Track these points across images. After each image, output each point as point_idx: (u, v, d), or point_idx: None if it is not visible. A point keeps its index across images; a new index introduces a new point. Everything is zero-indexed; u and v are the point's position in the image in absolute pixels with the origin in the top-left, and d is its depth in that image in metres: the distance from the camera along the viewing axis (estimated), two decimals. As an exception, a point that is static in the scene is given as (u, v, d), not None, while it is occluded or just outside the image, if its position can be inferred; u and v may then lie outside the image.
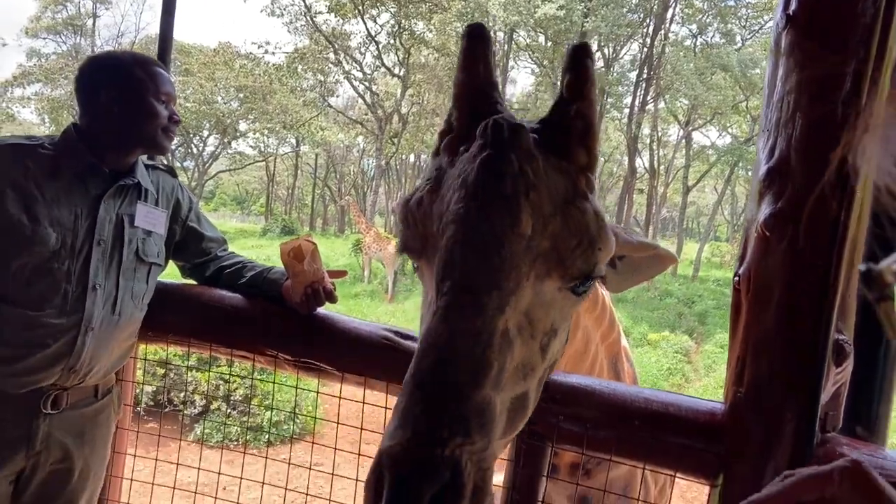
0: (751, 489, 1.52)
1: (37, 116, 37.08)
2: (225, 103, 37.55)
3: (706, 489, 1.69)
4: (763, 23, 30.74)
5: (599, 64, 32.70)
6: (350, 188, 48.24)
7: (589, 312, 1.80)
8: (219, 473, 2.54)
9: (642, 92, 31.40)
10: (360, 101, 39.34)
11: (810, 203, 1.38)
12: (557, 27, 28.36)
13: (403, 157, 44.29)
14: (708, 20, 31.81)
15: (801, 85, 1.42)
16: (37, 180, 2.10)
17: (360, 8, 32.01)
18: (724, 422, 1.61)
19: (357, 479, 2.28)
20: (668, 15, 30.46)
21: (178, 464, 2.61)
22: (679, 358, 15.78)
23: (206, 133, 40.09)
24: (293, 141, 43.86)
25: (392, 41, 34.05)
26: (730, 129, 35.93)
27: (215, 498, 2.58)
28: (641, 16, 30.15)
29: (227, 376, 7.66)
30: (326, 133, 36.96)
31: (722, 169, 36.36)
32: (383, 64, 35.59)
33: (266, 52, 35.73)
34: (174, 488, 2.55)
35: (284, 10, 34.15)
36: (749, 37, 32.38)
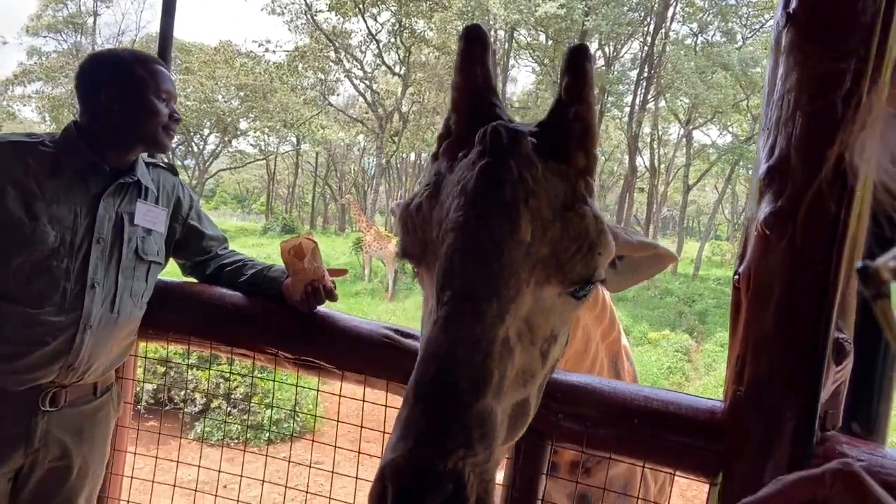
0: (750, 488, 1.52)
1: (37, 115, 37.14)
2: (225, 102, 37.56)
3: (706, 488, 1.69)
4: (764, 21, 30.71)
5: (600, 62, 32.72)
6: (350, 187, 48.24)
7: (589, 311, 1.80)
8: (219, 471, 2.54)
9: (643, 90, 31.40)
10: (361, 99, 39.36)
11: (807, 200, 1.38)
12: (558, 25, 28.35)
13: (404, 155, 44.32)
14: (709, 19, 31.81)
15: (801, 83, 1.42)
16: (37, 178, 2.10)
17: (361, 6, 32.03)
18: (724, 420, 1.62)
19: (357, 477, 2.29)
20: (669, 13, 30.47)
21: (178, 461, 2.61)
22: (679, 357, 15.78)
23: (206, 131, 40.10)
24: (294, 139, 43.86)
25: (393, 39, 34.06)
26: (730, 128, 35.93)
27: (215, 496, 2.59)
28: (642, 14, 30.15)
29: (228, 374, 7.67)
30: (327, 131, 36.98)
31: (722, 168, 36.36)
32: (384, 62, 35.60)
33: (267, 50, 35.87)
34: (174, 486, 2.56)
35: (285, 8, 34.21)
36: (750, 35, 32.36)
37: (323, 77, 37.59)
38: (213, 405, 8.43)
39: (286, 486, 2.50)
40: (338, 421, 2.30)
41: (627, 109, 32.99)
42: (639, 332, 17.63)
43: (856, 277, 0.45)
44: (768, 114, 1.51)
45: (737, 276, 1.58)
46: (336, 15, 33.05)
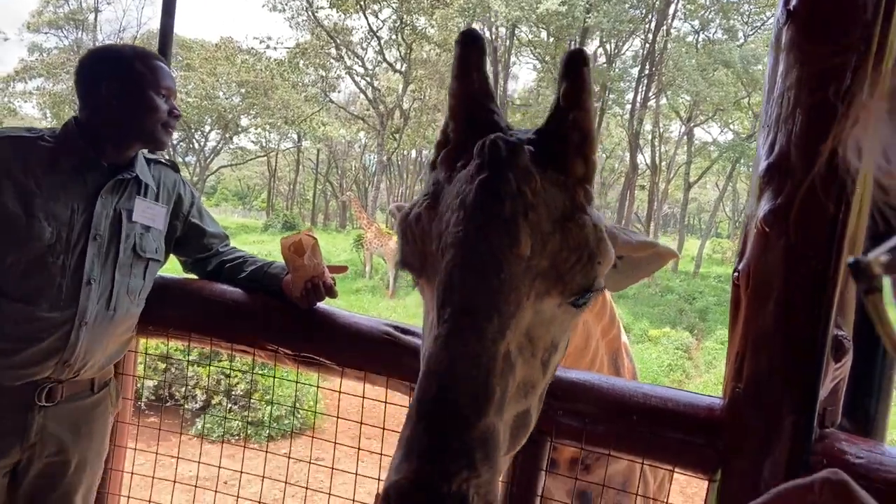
0: (749, 484, 1.53)
1: (38, 111, 37.10)
2: (226, 98, 37.49)
3: (706, 484, 1.69)
4: (765, 19, 30.63)
5: (601, 59, 32.70)
6: (351, 184, 48.16)
7: (589, 308, 1.80)
8: (219, 467, 2.55)
9: (644, 88, 31.33)
10: (362, 96, 39.30)
11: (800, 196, 1.38)
12: (559, 23, 28.29)
13: (405, 152, 44.25)
14: (710, 16, 31.71)
15: (802, 80, 1.42)
16: (35, 173, 2.09)
17: (362, 3, 31.97)
18: (723, 417, 1.62)
19: (357, 474, 2.30)
20: (671, 11, 30.39)
21: (177, 457, 2.61)
22: (680, 354, 15.76)
23: (207, 128, 40.05)
24: (295, 136, 43.79)
25: (394, 36, 33.99)
26: (732, 126, 35.87)
27: (215, 492, 2.59)
28: (643, 11, 30.07)
29: (228, 371, 7.68)
30: (328, 128, 36.88)
31: (724, 165, 36.31)
32: (385, 59, 35.55)
33: (268, 47, 35.78)
34: (174, 482, 2.56)
35: (286, 5, 34.14)
36: (751, 33, 32.29)
37: (324, 74, 37.53)
38: (213, 402, 8.44)
39: (286, 483, 2.50)
40: (337, 417, 2.30)
41: (629, 107, 32.93)
42: (639, 330, 17.62)
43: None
44: (768, 111, 1.51)
45: (736, 274, 1.58)
46: (337, 11, 32.99)
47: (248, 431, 7.79)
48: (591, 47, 32.46)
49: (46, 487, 2.23)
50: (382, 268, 23.13)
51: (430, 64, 34.30)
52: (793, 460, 1.47)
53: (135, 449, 2.68)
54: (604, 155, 40.57)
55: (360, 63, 36.54)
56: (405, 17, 32.10)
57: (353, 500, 2.29)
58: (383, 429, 2.18)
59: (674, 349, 15.96)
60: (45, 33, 39.21)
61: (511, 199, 1.06)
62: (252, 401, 8.26)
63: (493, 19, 29.22)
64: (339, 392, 2.30)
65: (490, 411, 0.97)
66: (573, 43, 30.29)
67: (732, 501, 1.58)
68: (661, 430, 1.70)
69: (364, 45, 36.12)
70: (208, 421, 8.08)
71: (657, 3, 29.26)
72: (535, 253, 1.07)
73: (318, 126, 36.31)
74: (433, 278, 1.11)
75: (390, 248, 20.80)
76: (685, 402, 1.70)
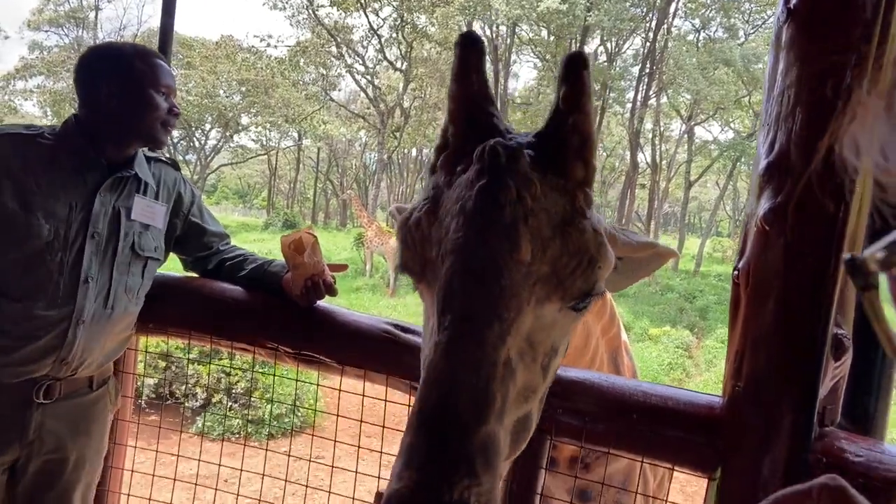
0: (749, 483, 1.53)
1: (39, 109, 37.07)
2: (227, 97, 37.49)
3: (706, 483, 1.69)
4: (766, 17, 30.61)
5: (602, 58, 32.69)
6: (352, 182, 48.18)
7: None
8: (219, 465, 2.55)
9: (644, 87, 31.33)
10: (363, 94, 39.29)
11: (797, 193, 1.38)
12: (560, 21, 28.27)
13: (405, 151, 44.28)
14: (711, 14, 31.71)
15: (802, 79, 1.42)
16: (33, 171, 2.09)
17: (362, 1, 31.95)
18: (723, 415, 1.62)
19: (357, 472, 2.30)
20: (671, 9, 30.38)
21: (178, 455, 2.62)
22: (680, 353, 15.77)
23: (208, 126, 40.08)
24: (295, 135, 43.80)
25: (394, 35, 33.97)
26: (732, 125, 35.86)
27: (216, 490, 2.59)
28: (644, 10, 30.06)
29: (229, 369, 7.68)
30: (328, 127, 36.85)
31: (724, 164, 36.30)
32: (385, 58, 35.52)
33: (268, 45, 35.90)
34: (175, 479, 2.56)
35: (286, 3, 34.09)
36: (752, 31, 32.29)
37: (324, 72, 37.56)
38: (213, 400, 8.45)
39: (286, 480, 2.50)
40: (338, 416, 2.30)
41: (629, 105, 32.94)
42: (640, 329, 17.63)
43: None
44: (768, 109, 1.51)
45: (736, 272, 1.58)
46: (337, 10, 32.97)
47: (249, 430, 7.80)
48: (591, 45, 32.48)
49: (45, 485, 2.23)
50: (383, 266, 23.13)
51: (430, 62, 34.31)
52: (792, 459, 1.47)
53: (135, 447, 2.68)
54: (604, 153, 40.57)
55: (361, 61, 36.57)
56: (406, 15, 32.08)
57: (353, 499, 2.29)
58: (383, 427, 2.18)
59: (674, 348, 15.97)
60: (46, 31, 39.26)
61: (511, 205, 1.06)
62: (252, 399, 8.27)
63: (493, 17, 29.20)
64: (339, 390, 2.30)
65: (491, 418, 0.97)
66: (574, 41, 30.30)
67: (732, 500, 1.58)
68: (660, 428, 1.70)
69: (364, 43, 36.16)
70: (208, 419, 8.09)
71: (658, 1, 29.27)
72: (536, 258, 1.07)
73: (319, 124, 36.30)
74: (433, 283, 1.11)
75: (391, 247, 20.78)
76: (685, 401, 1.70)
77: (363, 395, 2.23)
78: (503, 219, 1.05)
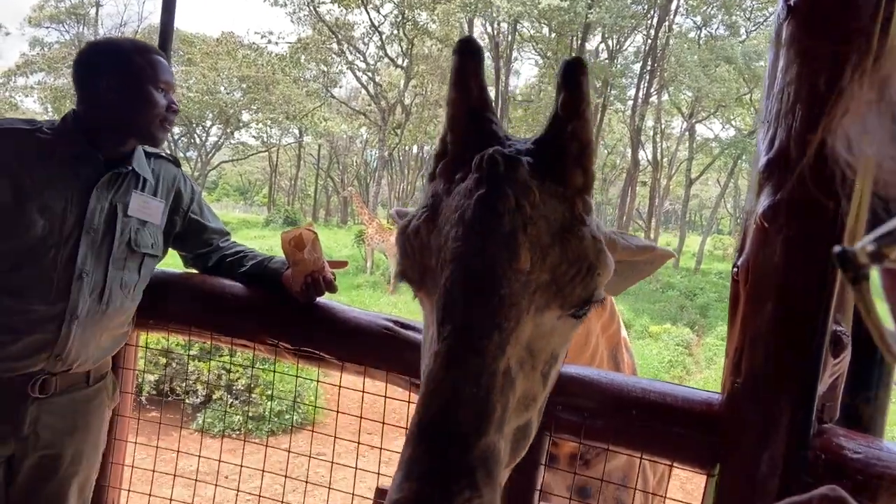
0: (747, 479, 1.54)
1: (40, 105, 37.11)
2: (228, 93, 37.50)
3: (705, 480, 1.70)
4: (768, 15, 30.51)
5: (603, 55, 32.66)
6: (353, 179, 48.18)
7: None
8: (219, 461, 2.56)
9: (646, 84, 31.32)
10: (364, 91, 39.25)
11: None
12: (561, 18, 28.24)
13: (406, 148, 44.23)
14: (712, 12, 31.67)
15: (802, 76, 1.42)
16: (30, 166, 2.08)
17: (364, -2, 31.95)
18: (721, 412, 1.62)
19: (356, 468, 2.30)
20: (673, 6, 30.37)
21: (178, 451, 2.62)
22: (680, 350, 15.78)
23: (209, 123, 40.09)
24: (296, 131, 43.82)
25: (395, 31, 33.92)
26: (733, 122, 35.81)
27: (216, 485, 2.60)
28: (645, 7, 30.03)
29: (229, 366, 7.69)
30: (329, 124, 36.85)
31: (725, 162, 36.32)
32: (386, 54, 35.50)
33: (269, 42, 35.64)
34: (174, 475, 2.57)
35: (287, -1, 34.10)
36: (753, 29, 32.28)
37: (325, 69, 37.53)
38: (214, 397, 8.46)
39: (286, 476, 2.51)
40: (337, 412, 2.31)
41: (630, 103, 32.95)
42: (640, 326, 17.63)
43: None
44: (768, 106, 1.51)
45: (735, 269, 1.58)
46: (338, 6, 32.92)
47: (249, 426, 7.80)
48: (592, 43, 32.48)
49: (41, 480, 2.22)
50: (383, 263, 23.14)
51: (431, 59, 34.29)
52: (791, 455, 1.47)
53: (135, 443, 2.68)
54: (605, 151, 40.56)
55: (362, 58, 36.54)
56: (407, 12, 32.05)
57: (353, 494, 2.30)
58: (383, 423, 2.19)
59: (674, 345, 15.97)
60: (47, 28, 39.27)
61: (510, 213, 1.05)
62: (253, 396, 8.27)
63: (494, 14, 29.16)
64: (339, 387, 2.30)
65: (491, 430, 0.97)
66: (575, 38, 30.29)
67: (730, 496, 1.58)
68: (659, 424, 1.70)
69: (365, 40, 36.14)
70: (209, 416, 8.10)
71: (659, -2, 29.23)
72: (535, 267, 1.06)
73: (320, 121, 36.31)
74: (432, 292, 1.10)
75: (391, 244, 20.76)
76: (683, 397, 1.71)
77: (363, 392, 2.24)
78: (502, 228, 1.04)
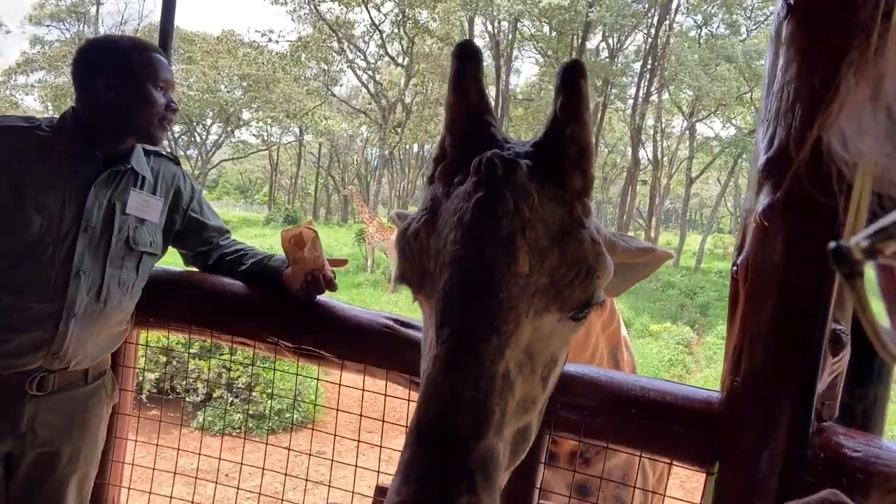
0: (746, 477, 1.54)
1: (40, 104, 37.10)
2: (228, 92, 37.47)
3: (704, 478, 1.70)
4: (768, 14, 30.49)
5: (604, 54, 32.65)
6: (353, 178, 48.20)
7: None
8: (219, 459, 2.56)
9: (646, 83, 31.32)
10: (364, 90, 39.28)
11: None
12: (562, 17, 28.25)
13: (407, 146, 44.29)
14: (713, 10, 31.68)
15: (801, 74, 1.42)
16: (28, 163, 2.08)
17: (364, -4, 31.95)
18: (721, 410, 1.62)
19: (356, 466, 2.31)
20: (673, 5, 30.36)
21: (178, 449, 2.62)
22: (680, 349, 15.79)
23: (209, 121, 40.07)
24: (296, 130, 43.76)
25: (396, 30, 33.94)
26: (734, 121, 35.79)
27: (216, 483, 2.60)
28: (646, 6, 30.02)
29: (229, 364, 7.69)
30: (330, 122, 36.85)
31: (725, 160, 36.30)
32: (387, 53, 35.52)
33: (269, 40, 35.70)
34: (175, 473, 2.57)
35: (288, -2, 34.08)
36: (754, 28, 32.28)
37: (326, 67, 37.54)
38: (214, 395, 8.46)
39: (286, 475, 2.51)
40: (337, 410, 2.31)
41: (631, 101, 32.95)
42: (640, 325, 17.64)
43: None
44: (768, 105, 1.51)
45: (735, 268, 1.58)
46: (339, 5, 32.93)
47: (250, 424, 7.81)
48: (593, 41, 32.49)
49: (40, 477, 2.22)
50: (384, 262, 23.14)
51: (432, 58, 34.30)
52: (790, 453, 1.47)
53: (136, 441, 2.68)
54: (606, 150, 40.54)
55: (362, 57, 36.57)
56: (407, 10, 32.06)
57: (353, 493, 2.30)
58: (383, 421, 2.19)
59: (675, 344, 15.99)
60: (47, 26, 39.26)
61: (508, 216, 1.05)
62: (253, 394, 8.27)
63: (495, 13, 29.17)
64: (339, 385, 2.30)
65: (490, 433, 0.97)
66: (575, 37, 30.29)
67: (729, 494, 1.58)
68: (659, 423, 1.70)
69: (366, 38, 36.15)
70: (209, 414, 8.10)
71: (660, -3, 29.22)
72: (534, 270, 1.06)
73: (320, 120, 36.31)
74: (432, 295, 1.11)
75: (391, 242, 20.73)
76: (683, 396, 1.71)
77: (363, 390, 2.24)
78: (500, 231, 1.04)
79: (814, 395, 1.45)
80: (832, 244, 0.42)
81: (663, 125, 35.47)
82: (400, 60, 35.47)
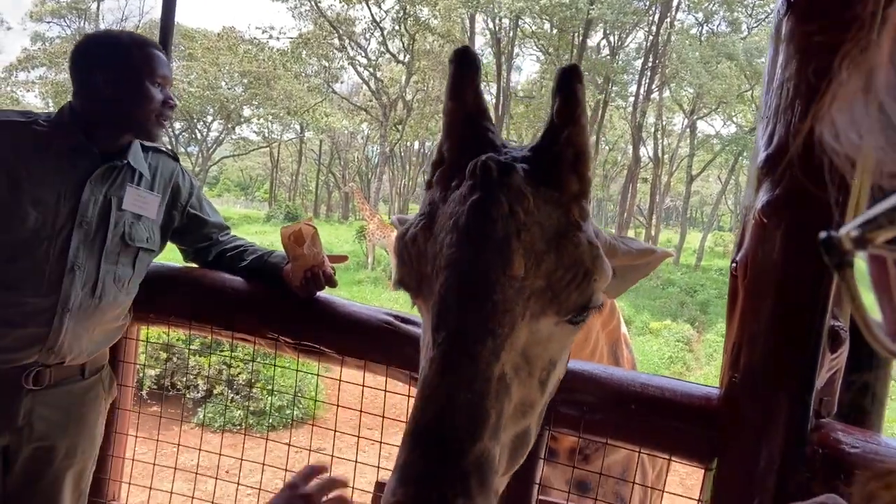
0: (745, 473, 1.54)
1: (41, 100, 37.05)
2: (229, 88, 37.42)
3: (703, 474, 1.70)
4: (769, 11, 30.40)
5: (605, 52, 32.62)
6: (354, 175, 48.16)
7: None
8: (219, 454, 2.56)
9: (647, 80, 31.30)
10: (365, 87, 39.29)
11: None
12: (563, 14, 28.21)
13: (408, 143, 44.25)
14: (714, 8, 31.64)
15: (801, 71, 1.42)
16: (25, 158, 2.08)
17: (365, -7, 31.91)
18: (720, 406, 1.63)
19: (356, 462, 2.31)
20: (674, 3, 30.29)
21: (178, 444, 2.63)
22: (681, 346, 15.79)
23: (210, 118, 40.05)
24: (297, 127, 43.72)
25: (397, 27, 33.89)
26: (734, 119, 35.80)
27: (216, 479, 2.60)
28: (647, 3, 29.98)
29: (230, 361, 7.69)
30: (331, 119, 36.82)
31: (726, 158, 36.30)
32: (388, 50, 35.49)
33: (270, 37, 35.67)
34: (175, 469, 2.57)
35: (289, -6, 34.04)
36: (755, 25, 32.25)
37: (327, 64, 37.50)
38: (215, 391, 8.47)
39: (286, 471, 2.51)
40: (338, 406, 2.31)
41: (632, 99, 32.92)
42: (640, 322, 17.65)
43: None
44: (768, 102, 1.51)
45: (734, 264, 1.59)
46: (340, 2, 32.89)
47: (250, 421, 7.82)
48: (594, 39, 32.47)
49: (37, 472, 2.23)
50: (385, 259, 23.15)
51: (433, 55, 34.26)
52: (788, 450, 1.48)
53: (136, 436, 2.69)
54: (606, 147, 40.53)
55: (363, 54, 36.52)
56: (408, 7, 32.00)
57: (353, 488, 2.30)
58: (383, 417, 2.19)
59: (675, 341, 15.99)
60: (48, 22, 39.21)
61: (503, 219, 1.05)
62: (253, 391, 8.28)
63: (496, 10, 29.14)
64: (340, 381, 2.30)
65: (485, 435, 0.97)
66: (577, 34, 30.25)
67: (728, 490, 1.59)
68: (658, 418, 1.71)
69: (367, 35, 36.11)
70: (210, 411, 8.11)
71: (661, -6, 29.18)
72: (530, 273, 1.06)
73: (321, 117, 36.28)
74: (429, 298, 1.11)
75: (392, 240, 20.75)
76: (682, 392, 1.71)
77: (363, 386, 2.24)
78: (495, 233, 1.05)
79: (812, 392, 1.45)
80: (822, 234, 0.43)
81: (664, 123, 35.47)
82: (401, 57, 35.45)
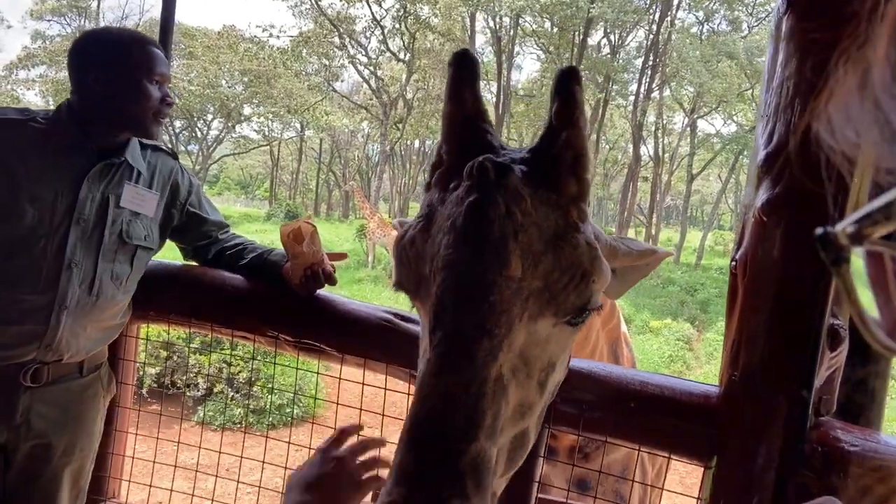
0: (744, 471, 1.54)
1: (41, 99, 37.03)
2: (229, 87, 37.41)
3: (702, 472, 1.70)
4: (769, 10, 30.38)
5: (605, 50, 32.61)
6: (354, 173, 48.13)
7: None
8: (219, 452, 2.56)
9: (648, 79, 31.30)
10: (365, 85, 39.23)
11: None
12: (563, 12, 28.21)
13: (408, 142, 44.22)
14: (714, 7, 31.64)
15: (801, 69, 1.42)
16: (22, 155, 2.08)
17: (365, -9, 31.89)
18: (719, 405, 1.63)
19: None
20: (675, 1, 30.28)
21: (178, 442, 2.63)
22: (681, 345, 15.82)
23: (210, 117, 40.04)
24: (298, 125, 43.69)
25: (397, 25, 33.88)
26: (735, 118, 35.76)
27: (216, 477, 2.61)
28: (648, 2, 29.97)
29: (230, 359, 7.70)
30: (331, 118, 36.80)
31: (727, 157, 36.30)
32: (388, 48, 35.46)
33: (271, 35, 35.61)
34: (175, 467, 2.58)
35: (289, -8, 34.03)
36: (755, 24, 32.22)
37: (327, 63, 37.49)
38: (215, 390, 8.48)
39: (286, 469, 2.52)
40: (338, 404, 2.32)
41: (632, 98, 32.92)
42: (640, 321, 17.65)
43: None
44: (767, 101, 1.51)
45: (734, 263, 1.59)
46: (340, 0, 32.91)
47: (250, 419, 7.82)
48: (595, 38, 32.46)
49: (35, 469, 2.23)
50: (385, 258, 23.15)
51: (433, 53, 34.24)
52: (787, 448, 1.48)
53: (136, 434, 2.69)
54: (607, 146, 40.53)
55: (364, 52, 36.49)
56: (408, 6, 31.98)
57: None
58: (383, 415, 2.20)
59: (675, 340, 16.02)
60: (48, 21, 39.21)
61: (500, 220, 1.05)
62: (254, 389, 8.29)
63: (496, 9, 29.13)
64: (340, 378, 2.31)
65: (481, 436, 0.97)
66: (577, 33, 30.25)
67: (727, 488, 1.59)
68: (657, 417, 1.71)
69: (367, 34, 36.08)
70: (210, 409, 8.12)
71: (662, -7, 29.18)
72: (527, 274, 1.06)
73: (321, 115, 36.26)
74: (427, 300, 1.11)
75: (392, 238, 20.75)
76: (681, 390, 1.71)
77: (363, 384, 2.24)
78: (492, 234, 1.04)
79: (811, 390, 1.45)
80: (818, 230, 0.43)
81: (664, 122, 35.46)
82: (401, 56, 35.41)
